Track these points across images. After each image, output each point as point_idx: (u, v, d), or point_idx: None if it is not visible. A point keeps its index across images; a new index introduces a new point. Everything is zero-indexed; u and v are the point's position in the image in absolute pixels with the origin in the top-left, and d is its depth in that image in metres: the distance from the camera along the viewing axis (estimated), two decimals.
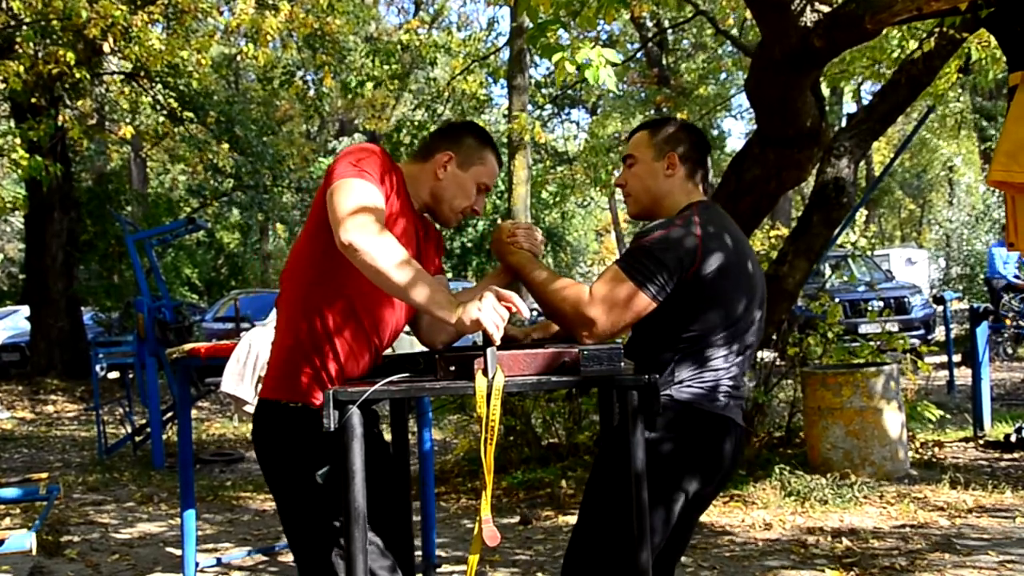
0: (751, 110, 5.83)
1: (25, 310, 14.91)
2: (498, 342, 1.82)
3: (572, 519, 5.01)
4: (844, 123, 6.49)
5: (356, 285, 2.04)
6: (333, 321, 2.06)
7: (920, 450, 6.30)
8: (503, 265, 2.29)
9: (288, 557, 4.45)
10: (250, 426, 2.28)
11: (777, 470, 5.40)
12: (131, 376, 9.01)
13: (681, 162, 2.24)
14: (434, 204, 2.22)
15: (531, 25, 4.89)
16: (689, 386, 2.10)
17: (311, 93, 16.77)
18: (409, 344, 3.36)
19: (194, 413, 10.19)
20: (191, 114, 13.99)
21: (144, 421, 8.22)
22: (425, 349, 2.39)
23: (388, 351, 2.32)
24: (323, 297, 2.07)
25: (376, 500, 2.07)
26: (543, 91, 18.76)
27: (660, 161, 2.24)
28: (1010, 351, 11.95)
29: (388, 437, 2.45)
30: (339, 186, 1.94)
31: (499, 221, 22.79)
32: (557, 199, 23.93)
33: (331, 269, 2.05)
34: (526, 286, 2.22)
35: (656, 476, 2.01)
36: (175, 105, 13.67)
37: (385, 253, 1.86)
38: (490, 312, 1.82)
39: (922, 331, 12.13)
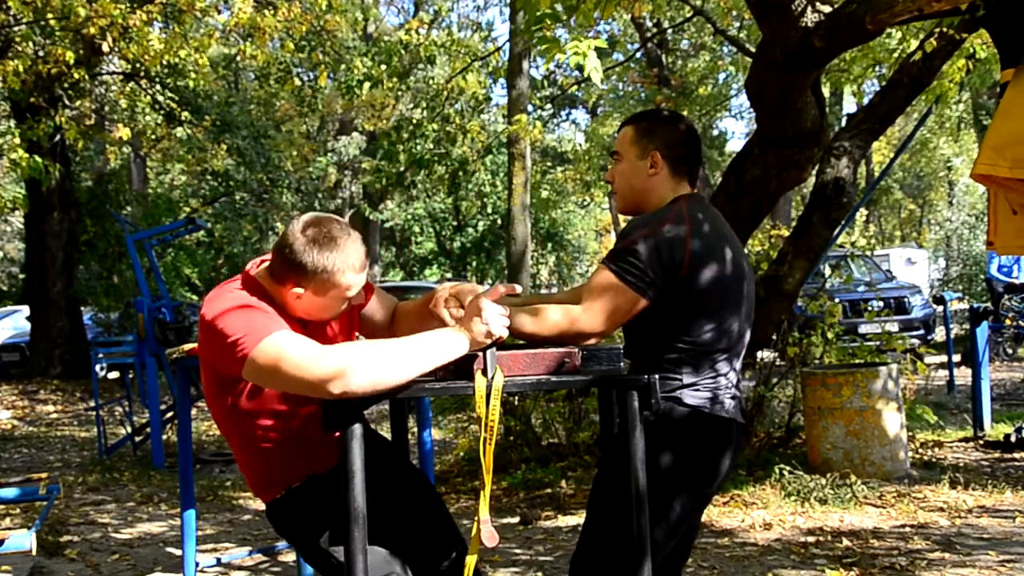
0: (751, 110, 5.83)
1: (25, 310, 14.91)
2: (505, 336, 1.83)
3: (572, 519, 5.01)
4: (844, 123, 6.48)
5: (272, 407, 2.05)
6: (269, 436, 2.09)
7: (920, 450, 6.30)
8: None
9: (289, 557, 4.45)
10: None
11: (777, 470, 5.40)
12: (131, 376, 9.01)
13: (664, 160, 2.20)
14: (310, 323, 2.10)
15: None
16: (697, 390, 2.09)
17: (307, 90, 16.73)
18: None
19: (194, 413, 10.19)
20: (189, 115, 13.98)
21: (144, 421, 8.22)
22: None
23: None
24: (241, 424, 2.09)
25: (392, 501, 2.07)
26: (542, 92, 18.75)
27: (643, 160, 2.21)
28: (1010, 351, 11.95)
29: (388, 437, 2.45)
30: (259, 358, 1.84)
31: (499, 222, 22.80)
32: (550, 202, 23.97)
33: (244, 411, 2.06)
34: (517, 335, 2.08)
35: (665, 482, 2.01)
36: (174, 106, 13.67)
37: (372, 370, 1.79)
38: (494, 317, 1.83)
39: (922, 331, 12.12)
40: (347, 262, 1.97)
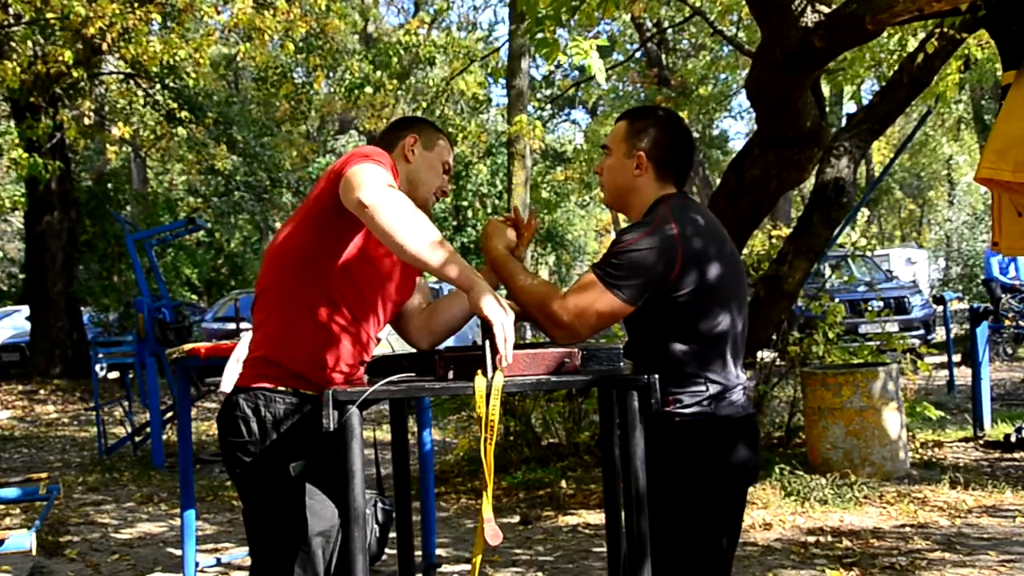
0: (751, 110, 5.82)
1: (25, 310, 14.91)
2: (500, 350, 1.80)
3: (572, 519, 5.01)
4: (844, 123, 6.48)
5: (336, 274, 2.10)
6: (311, 310, 2.10)
7: (920, 450, 6.30)
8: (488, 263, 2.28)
9: None
10: None
11: (777, 470, 5.40)
12: (131, 376, 9.01)
13: (650, 161, 2.18)
14: (411, 191, 2.21)
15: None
16: (718, 396, 2.09)
17: (303, 94, 16.69)
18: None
19: (194, 413, 10.18)
20: (189, 114, 13.98)
21: (144, 421, 8.22)
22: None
23: (387, 350, 2.32)
24: (301, 287, 2.10)
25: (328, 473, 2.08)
26: (542, 93, 18.73)
27: (630, 159, 2.19)
28: (1010, 351, 11.94)
29: (388, 437, 2.45)
30: (358, 168, 1.96)
31: None
32: (551, 203, 24.00)
33: (312, 260, 2.09)
34: (502, 281, 2.21)
35: (712, 489, 2.05)
36: (174, 106, 13.66)
37: (398, 213, 1.86)
38: (499, 311, 1.82)
39: (922, 331, 12.12)
40: (444, 135, 2.35)
